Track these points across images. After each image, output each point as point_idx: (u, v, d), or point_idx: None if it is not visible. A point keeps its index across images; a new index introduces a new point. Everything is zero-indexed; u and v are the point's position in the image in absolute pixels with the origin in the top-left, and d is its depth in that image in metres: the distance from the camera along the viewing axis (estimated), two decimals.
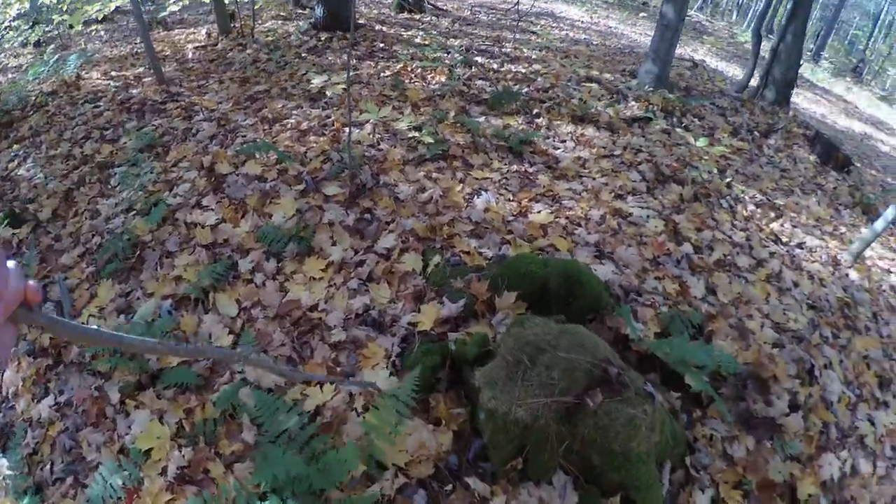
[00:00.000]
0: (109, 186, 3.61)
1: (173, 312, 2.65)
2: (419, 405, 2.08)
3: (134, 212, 3.25)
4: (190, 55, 5.98)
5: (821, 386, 2.78)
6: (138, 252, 2.98)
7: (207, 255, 2.87)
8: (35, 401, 2.53)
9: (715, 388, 2.41)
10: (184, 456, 2.06)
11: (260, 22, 7.02)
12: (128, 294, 2.82)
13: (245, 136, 3.80)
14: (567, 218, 3.34)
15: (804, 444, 2.47)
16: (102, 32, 8.42)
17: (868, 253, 4.16)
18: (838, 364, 3.01)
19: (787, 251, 3.85)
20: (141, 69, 5.60)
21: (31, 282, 0.51)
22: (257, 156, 3.34)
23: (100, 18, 6.63)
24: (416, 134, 3.76)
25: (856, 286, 3.77)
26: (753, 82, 7.02)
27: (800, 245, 4.00)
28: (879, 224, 3.72)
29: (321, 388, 2.21)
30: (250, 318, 2.57)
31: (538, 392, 1.72)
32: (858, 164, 6.22)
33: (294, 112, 4.16)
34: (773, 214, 4.21)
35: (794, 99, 7.77)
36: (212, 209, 3.13)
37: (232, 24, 6.65)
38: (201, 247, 2.92)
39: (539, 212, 3.31)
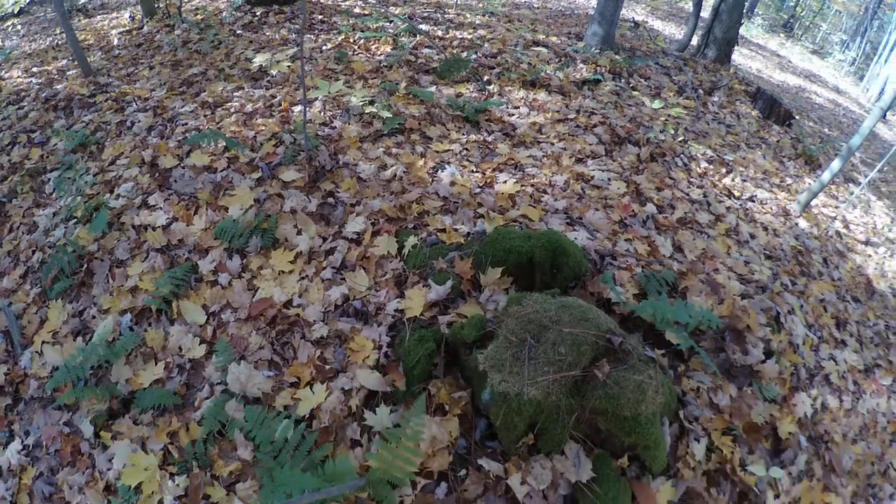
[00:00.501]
0: (44, 195, 3.31)
1: (135, 328, 2.48)
2: (420, 396, 2.06)
3: (75, 220, 2.99)
4: (115, 42, 5.60)
5: (787, 331, 2.99)
6: (85, 265, 2.76)
7: (163, 259, 2.69)
8: (1, 447, 2.33)
9: (696, 342, 2.54)
10: (178, 485, 1.96)
11: (186, 0, 6.57)
12: (81, 313, 2.61)
13: (186, 124, 3.56)
14: (532, 186, 3.37)
15: (779, 386, 2.66)
16: (19, 27, 7.71)
17: (814, 202, 4.47)
18: (799, 309, 3.24)
19: (741, 205, 4.08)
20: (64, 62, 5.20)
21: None
22: (203, 145, 3.13)
23: (16, 11, 6.06)
24: (370, 108, 3.64)
25: (806, 234, 4.06)
26: (694, 41, 7.30)
27: (751, 198, 4.25)
28: (826, 175, 4.00)
29: (311, 388, 2.14)
30: (221, 324, 2.44)
31: (547, 369, 1.74)
32: (797, 117, 6.63)
33: (236, 94, 3.93)
34: (724, 170, 4.43)
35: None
36: (160, 208, 2.92)
37: (156, 5, 6.29)
38: (155, 251, 2.73)
39: (505, 182, 3.32)
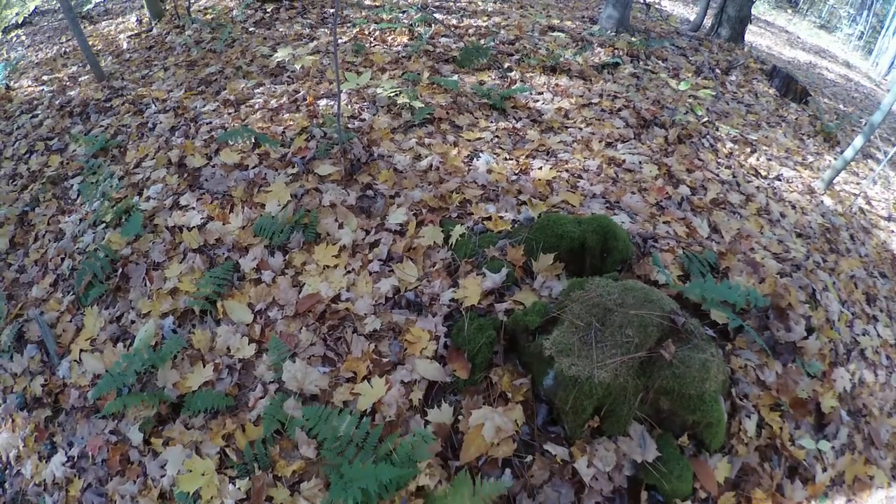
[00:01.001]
0: (69, 201, 3.32)
1: (179, 331, 2.48)
2: (481, 384, 2.11)
3: (104, 224, 3.00)
4: (125, 45, 5.61)
5: (823, 307, 3.04)
6: (120, 269, 2.76)
7: (202, 259, 2.70)
8: (43, 460, 2.33)
9: (742, 321, 2.60)
10: (240, 488, 1.95)
11: (194, 0, 6.56)
12: (119, 318, 2.61)
13: (210, 122, 3.57)
14: (567, 171, 3.40)
15: (820, 362, 2.72)
16: (24, 37, 7.70)
17: (835, 179, 4.50)
18: (832, 286, 3.29)
19: (769, 184, 4.11)
20: (74, 68, 5.22)
21: None
22: (231, 142, 3.14)
23: (19, 22, 6.06)
24: (397, 100, 3.66)
25: (831, 212, 4.10)
26: (707, 21, 7.27)
27: (777, 177, 4.28)
28: (849, 152, 4.03)
29: (369, 382, 2.16)
30: (268, 322, 2.46)
31: (614, 351, 1.80)
32: (812, 94, 6.63)
33: (258, 91, 3.94)
34: (748, 150, 4.46)
35: None
36: (193, 208, 2.93)
37: (164, 7, 6.26)
38: (192, 252, 2.74)
39: (540, 168, 3.35)
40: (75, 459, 2.28)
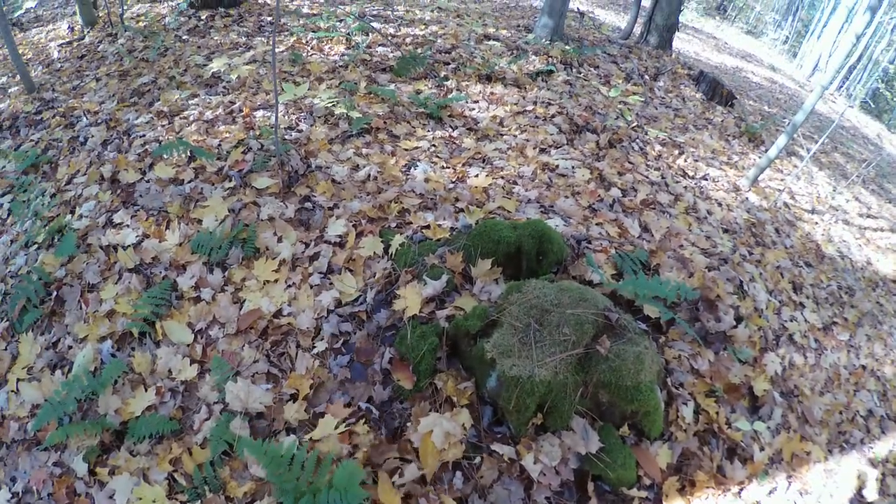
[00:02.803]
0: None
1: (118, 354, 2.43)
2: (427, 391, 2.17)
3: (36, 245, 2.89)
4: (56, 54, 5.41)
5: (751, 297, 3.28)
6: (55, 293, 2.68)
7: (138, 279, 2.65)
8: None
9: (673, 314, 2.77)
10: None
11: (127, 6, 6.42)
12: (55, 344, 2.53)
13: (143, 135, 3.50)
14: (503, 178, 3.53)
15: (750, 348, 2.93)
16: None
17: (761, 177, 4.85)
18: (759, 277, 3.55)
19: (696, 184, 4.39)
20: (3, 79, 4.99)
21: None
22: (166, 156, 3.10)
23: None
24: (335, 109, 3.70)
25: (756, 207, 4.42)
26: (636, 29, 7.68)
27: (704, 177, 4.57)
28: (773, 151, 4.37)
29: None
30: (210, 341, 2.44)
31: (553, 350, 1.89)
32: (738, 97, 7.11)
33: (192, 102, 3.89)
34: (676, 152, 4.74)
35: None
36: (128, 225, 2.88)
37: (96, 14, 6.09)
38: (129, 271, 2.69)
39: (476, 175, 3.46)
40: (20, 495, 2.20)
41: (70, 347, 2.53)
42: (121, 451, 2.17)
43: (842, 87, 18.06)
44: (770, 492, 2.46)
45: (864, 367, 3.60)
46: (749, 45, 17.49)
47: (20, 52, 5.56)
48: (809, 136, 7.98)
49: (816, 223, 5.03)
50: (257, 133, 3.41)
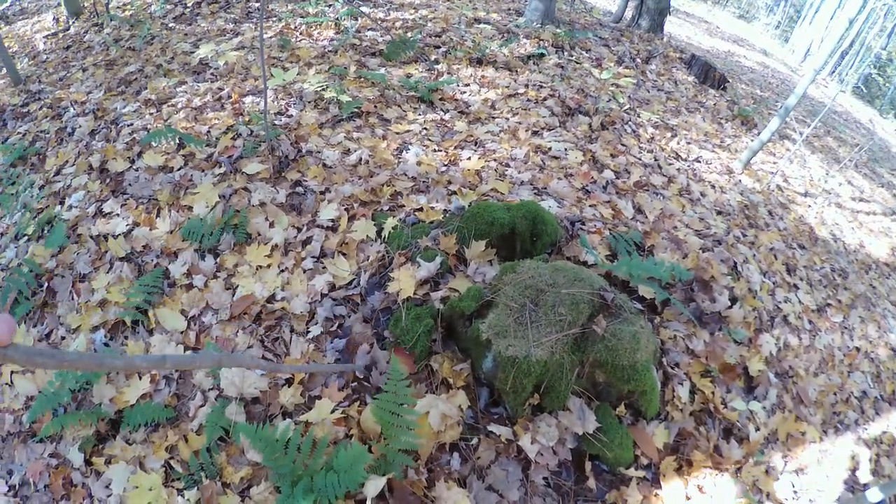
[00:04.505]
0: None
1: (111, 343, 2.42)
2: (423, 373, 2.17)
3: (26, 237, 2.87)
4: (41, 46, 5.38)
5: (745, 278, 3.30)
6: (46, 284, 2.66)
7: (130, 268, 2.64)
8: None
9: (668, 294, 2.79)
10: (189, 500, 1.94)
11: None
12: (48, 335, 2.52)
13: (131, 124, 3.47)
14: (495, 160, 3.52)
15: (745, 329, 2.95)
16: None
17: (753, 159, 4.87)
18: (752, 258, 3.57)
19: (689, 166, 4.40)
20: None
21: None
22: (155, 144, 3.06)
23: None
24: (324, 94, 3.66)
25: (749, 190, 4.44)
26: (628, 13, 7.66)
27: (697, 159, 4.59)
28: (765, 134, 4.39)
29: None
30: (203, 328, 2.43)
31: (549, 330, 1.90)
32: (730, 80, 7.12)
33: (180, 89, 3.85)
34: (669, 134, 4.75)
35: None
36: (118, 214, 2.85)
37: (81, 4, 6.05)
38: (119, 260, 2.67)
39: (469, 158, 3.45)
40: (17, 488, 2.21)
41: (63, 338, 2.52)
42: (116, 440, 2.17)
43: (834, 72, 18.18)
44: (766, 471, 2.49)
45: (857, 349, 3.64)
46: (741, 29, 17.54)
47: (7, 44, 5.56)
48: (802, 120, 8.03)
49: (809, 206, 5.07)
50: (246, 119, 3.37)
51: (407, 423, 1.80)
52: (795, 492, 2.56)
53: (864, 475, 2.86)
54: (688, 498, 2.19)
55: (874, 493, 2.00)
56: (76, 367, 0.67)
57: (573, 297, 1.96)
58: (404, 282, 2.36)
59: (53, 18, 6.22)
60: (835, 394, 3.17)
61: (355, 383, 2.19)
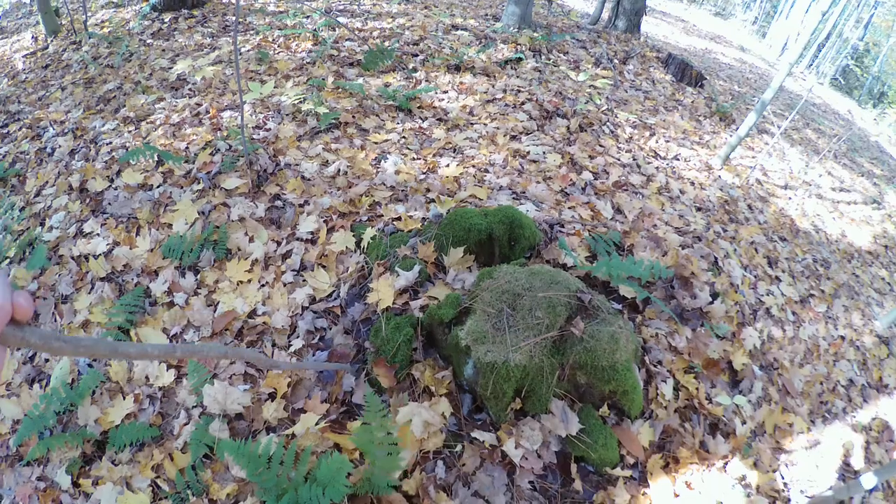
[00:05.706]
0: None
1: (94, 364, 2.41)
2: (404, 382, 2.17)
3: (7, 260, 2.85)
4: (20, 66, 5.35)
5: (726, 273, 3.33)
6: None
7: (111, 288, 2.63)
8: None
9: (648, 293, 2.81)
10: None
11: (91, 13, 6.35)
12: (32, 358, 2.51)
13: (110, 143, 3.47)
14: (474, 166, 3.54)
15: (728, 324, 2.98)
16: None
17: (732, 155, 4.92)
18: (733, 253, 3.61)
19: (668, 164, 4.44)
20: None
21: (19, 294, 0.43)
22: (133, 162, 3.06)
23: None
24: (302, 107, 3.67)
25: (729, 185, 4.49)
26: (605, 14, 7.75)
27: (676, 157, 4.63)
28: (743, 129, 4.44)
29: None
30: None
31: (527, 334, 1.90)
32: (708, 78, 7.20)
33: (158, 106, 3.85)
34: (647, 134, 4.80)
35: None
36: (98, 234, 2.85)
37: (60, 22, 6.05)
38: (101, 280, 2.66)
39: (447, 165, 3.46)
40: None
41: (47, 360, 2.52)
42: (103, 460, 2.17)
43: (812, 64, 18.43)
44: (755, 464, 2.51)
45: (842, 338, 3.68)
46: (718, 26, 17.75)
47: None
48: (780, 114, 8.12)
49: (790, 198, 5.12)
50: (225, 134, 3.37)
51: (388, 449, 1.80)
52: (786, 483, 2.58)
53: (857, 462, 2.88)
54: (676, 495, 2.19)
55: (868, 479, 2.01)
56: (91, 354, 0.69)
57: (550, 301, 1.97)
58: (383, 292, 2.37)
59: (32, 37, 6.22)
60: (821, 383, 3.20)
61: (340, 397, 2.19)
